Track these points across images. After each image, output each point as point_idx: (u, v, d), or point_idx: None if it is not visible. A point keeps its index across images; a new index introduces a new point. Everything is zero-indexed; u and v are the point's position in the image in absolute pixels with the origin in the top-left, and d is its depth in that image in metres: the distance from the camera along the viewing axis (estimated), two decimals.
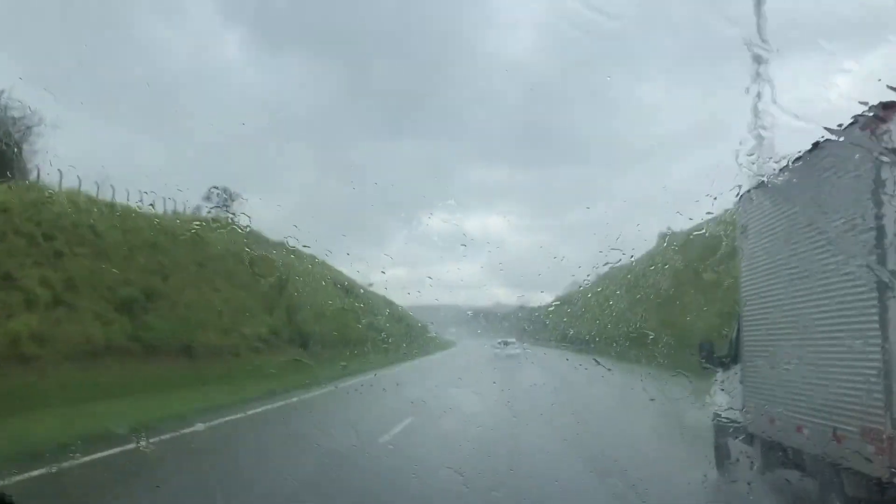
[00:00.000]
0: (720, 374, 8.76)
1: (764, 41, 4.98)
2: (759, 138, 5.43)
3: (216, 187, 46.02)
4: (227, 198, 46.53)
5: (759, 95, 5.17)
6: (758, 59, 5.15)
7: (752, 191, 6.97)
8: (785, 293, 6.10)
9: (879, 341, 4.58)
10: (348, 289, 48.84)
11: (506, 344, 42.68)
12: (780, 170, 6.37)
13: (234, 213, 48.01)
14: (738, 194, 7.22)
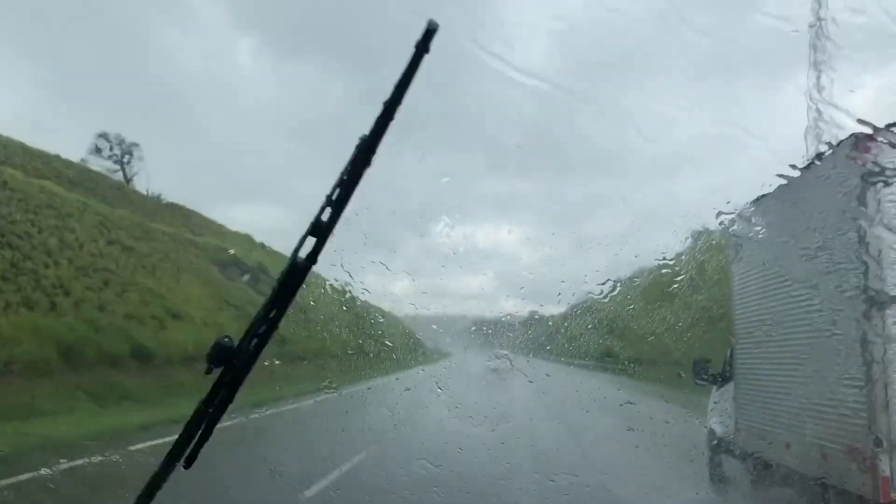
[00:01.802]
0: (715, 392, 8.87)
1: (822, 43, 5.09)
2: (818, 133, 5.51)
3: (105, 137, 37.41)
4: (120, 152, 37.78)
5: (814, 100, 5.27)
6: (817, 65, 5.27)
7: (743, 212, 7.10)
8: (774, 312, 6.22)
9: (862, 361, 4.70)
10: (254, 272, 36.91)
11: (499, 358, 40.81)
12: (772, 191, 6.52)
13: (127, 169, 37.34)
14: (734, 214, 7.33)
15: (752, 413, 6.91)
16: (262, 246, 45.23)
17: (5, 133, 33.23)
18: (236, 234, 42.76)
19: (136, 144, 38.00)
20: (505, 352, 43.55)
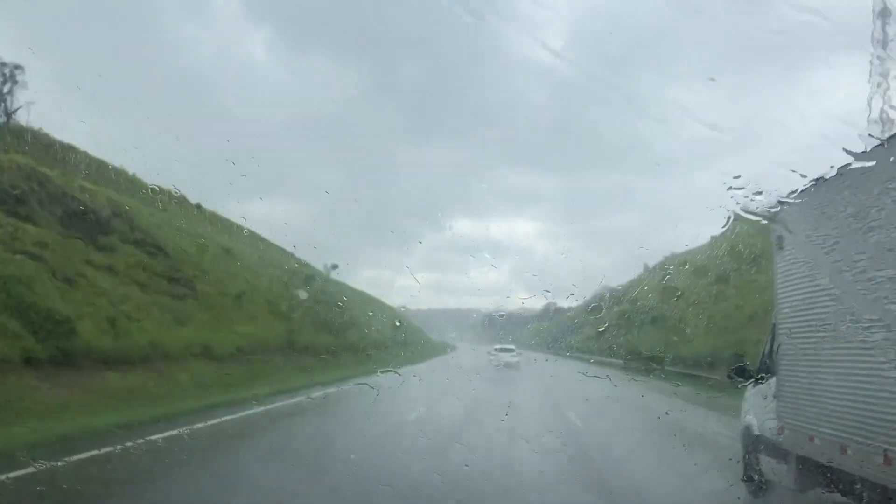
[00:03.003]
0: (751, 388, 8.52)
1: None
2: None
3: None
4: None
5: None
6: (881, 59, 4.94)
7: (790, 201, 6.73)
8: (829, 305, 5.85)
9: None
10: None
11: (503, 351, 38.25)
12: (822, 179, 6.15)
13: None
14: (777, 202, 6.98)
15: (799, 412, 6.55)
16: (198, 208, 33.61)
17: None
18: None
19: (19, 68, 27.98)
20: (511, 346, 41.28)
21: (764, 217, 7.36)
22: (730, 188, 6.68)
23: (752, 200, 6.97)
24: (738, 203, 7.00)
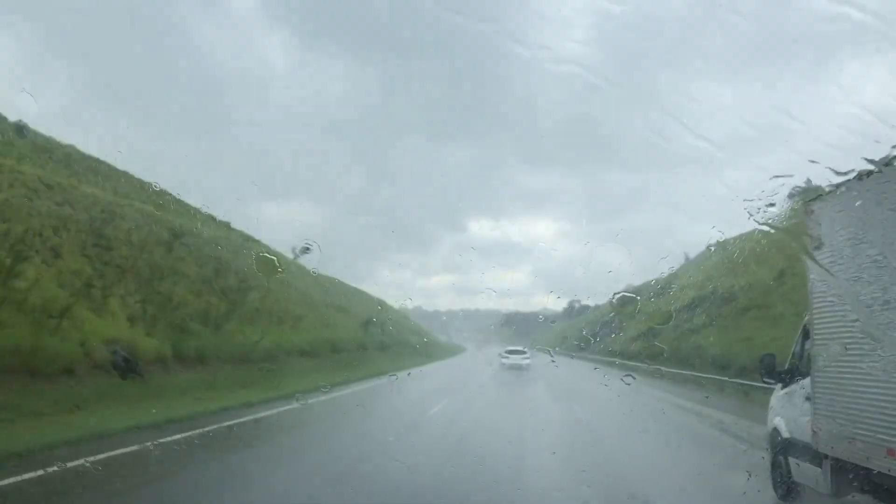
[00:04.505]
0: (780, 389, 8.32)
1: None
2: None
3: None
4: None
5: None
6: None
7: (827, 196, 6.54)
8: (874, 301, 5.64)
9: None
10: None
11: (514, 353, 38.47)
12: (861, 174, 5.95)
13: None
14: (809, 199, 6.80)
15: (838, 414, 6.34)
16: None
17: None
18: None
19: None
20: (524, 349, 40.40)
21: (782, 229, 7.15)
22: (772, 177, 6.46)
23: (765, 212, 6.76)
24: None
